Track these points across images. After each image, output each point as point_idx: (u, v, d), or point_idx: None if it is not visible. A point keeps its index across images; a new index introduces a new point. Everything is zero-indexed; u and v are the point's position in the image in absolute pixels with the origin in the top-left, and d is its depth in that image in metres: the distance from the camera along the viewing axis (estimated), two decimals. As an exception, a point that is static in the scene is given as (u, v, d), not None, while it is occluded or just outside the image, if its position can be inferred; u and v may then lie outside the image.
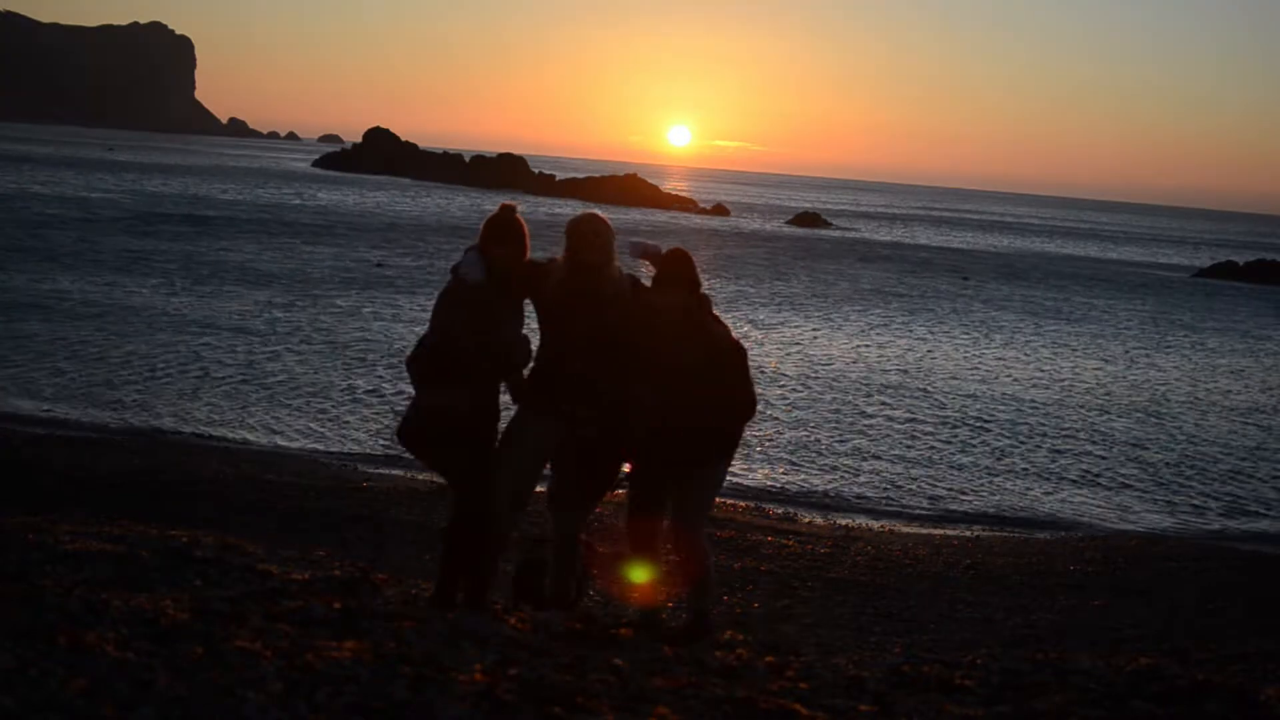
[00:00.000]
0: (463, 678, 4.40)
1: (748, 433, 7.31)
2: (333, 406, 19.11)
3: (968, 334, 34.33)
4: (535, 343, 6.31)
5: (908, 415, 21.49)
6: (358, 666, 4.42)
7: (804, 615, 9.51)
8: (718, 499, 6.98)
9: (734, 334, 6.36)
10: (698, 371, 6.12)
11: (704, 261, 50.95)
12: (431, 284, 34.82)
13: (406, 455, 16.20)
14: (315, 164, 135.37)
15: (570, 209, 79.73)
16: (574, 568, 6.55)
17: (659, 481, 6.32)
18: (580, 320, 6.14)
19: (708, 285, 6.55)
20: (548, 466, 6.44)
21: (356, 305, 30.77)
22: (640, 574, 6.39)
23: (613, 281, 6.17)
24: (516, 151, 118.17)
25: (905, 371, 26.59)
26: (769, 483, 16.31)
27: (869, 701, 4.77)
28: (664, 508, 6.37)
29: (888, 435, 19.75)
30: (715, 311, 6.33)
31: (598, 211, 6.47)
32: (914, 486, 16.70)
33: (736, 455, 6.57)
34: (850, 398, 22.77)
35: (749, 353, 6.38)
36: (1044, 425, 21.66)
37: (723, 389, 6.17)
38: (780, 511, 14.54)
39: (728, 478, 6.83)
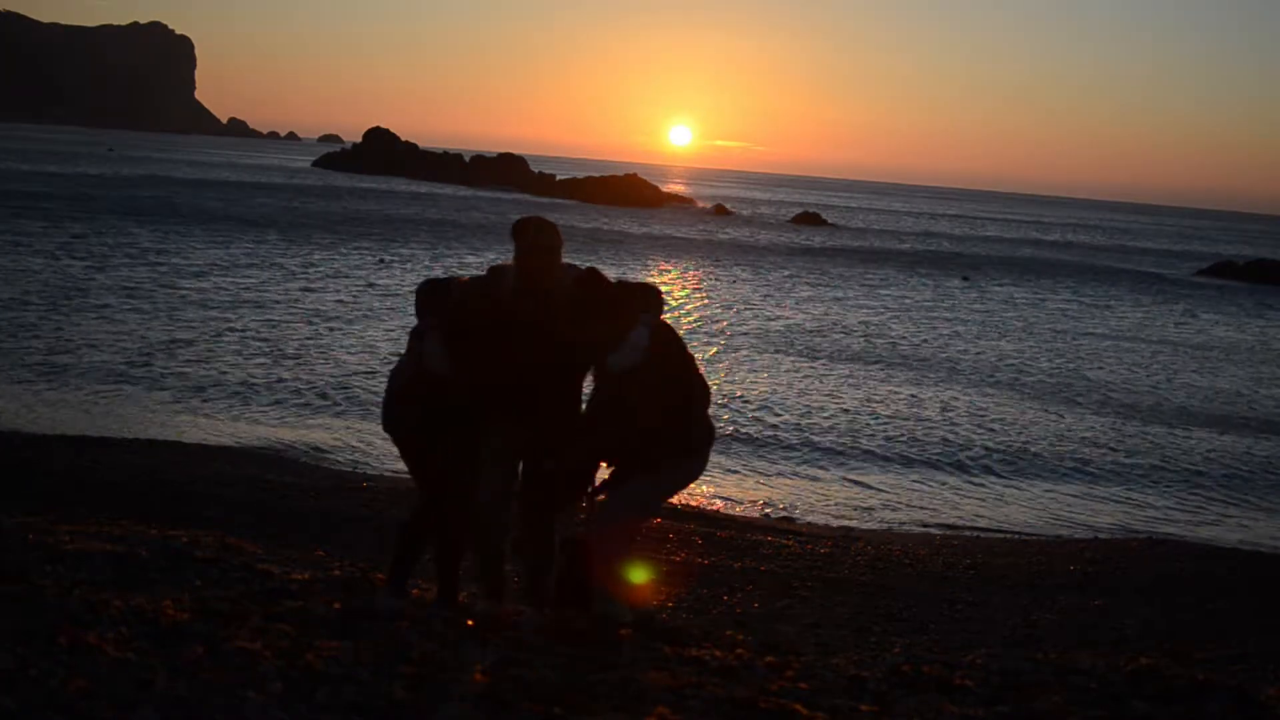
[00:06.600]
0: (463, 678, 4.41)
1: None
2: (332, 406, 19.10)
3: (969, 334, 34.35)
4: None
5: (909, 415, 21.50)
6: (358, 666, 4.42)
7: (804, 615, 9.50)
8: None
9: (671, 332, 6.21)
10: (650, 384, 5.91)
11: (705, 255, 51.03)
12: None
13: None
14: (315, 164, 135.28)
15: (570, 209, 79.83)
16: (553, 570, 6.51)
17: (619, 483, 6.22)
18: (531, 332, 5.95)
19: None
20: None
21: (352, 301, 30.82)
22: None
23: (560, 284, 5.96)
24: (517, 151, 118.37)
25: (906, 370, 26.61)
26: (769, 483, 16.30)
27: (869, 701, 4.77)
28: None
29: (888, 434, 19.75)
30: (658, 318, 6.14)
31: (544, 216, 6.25)
32: (914, 486, 16.70)
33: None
34: (851, 396, 22.79)
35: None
36: (1044, 425, 21.66)
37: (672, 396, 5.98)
38: (780, 511, 14.53)
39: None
